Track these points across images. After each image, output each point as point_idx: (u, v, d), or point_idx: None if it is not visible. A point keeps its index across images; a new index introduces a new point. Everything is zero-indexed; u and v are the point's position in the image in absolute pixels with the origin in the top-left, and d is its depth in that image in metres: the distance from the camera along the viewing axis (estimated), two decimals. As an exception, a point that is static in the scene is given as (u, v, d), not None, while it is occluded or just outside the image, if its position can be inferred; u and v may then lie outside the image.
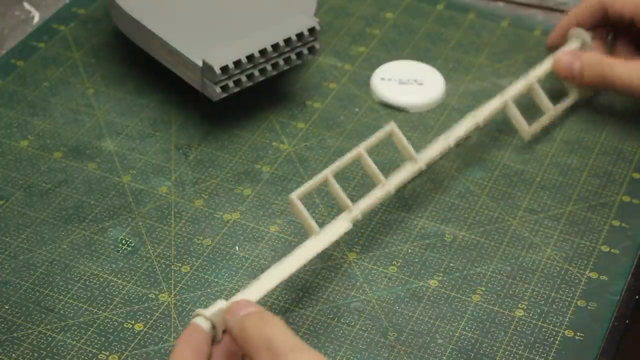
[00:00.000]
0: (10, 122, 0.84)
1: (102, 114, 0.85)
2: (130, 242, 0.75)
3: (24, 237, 0.75)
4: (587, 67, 0.83)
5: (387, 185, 0.74)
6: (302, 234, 0.76)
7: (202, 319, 0.63)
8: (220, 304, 0.63)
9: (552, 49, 0.87)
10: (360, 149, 0.73)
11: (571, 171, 0.81)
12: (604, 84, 0.83)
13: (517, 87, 0.82)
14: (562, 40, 0.87)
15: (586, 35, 0.85)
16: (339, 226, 0.71)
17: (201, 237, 0.75)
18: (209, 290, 0.72)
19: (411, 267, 0.74)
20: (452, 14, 0.96)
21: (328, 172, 0.71)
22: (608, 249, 0.75)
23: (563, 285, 0.73)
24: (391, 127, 0.75)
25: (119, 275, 0.73)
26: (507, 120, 0.84)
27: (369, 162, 0.73)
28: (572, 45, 0.86)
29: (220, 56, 0.79)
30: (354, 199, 0.73)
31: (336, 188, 0.72)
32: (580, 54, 0.84)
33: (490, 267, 0.74)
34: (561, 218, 0.78)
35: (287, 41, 0.81)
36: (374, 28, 0.94)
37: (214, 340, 0.63)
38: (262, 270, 0.73)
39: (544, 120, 0.83)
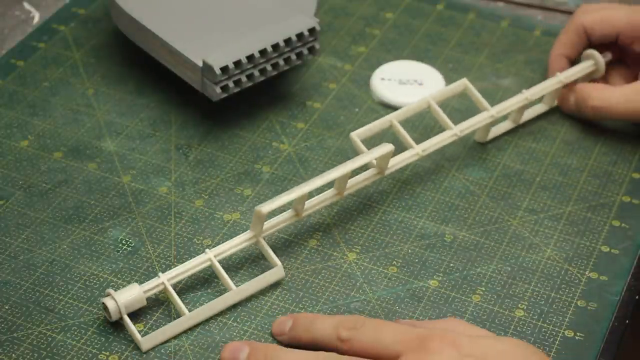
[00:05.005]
0: (10, 122, 0.84)
1: (102, 114, 0.85)
2: (130, 242, 0.75)
3: (24, 237, 0.75)
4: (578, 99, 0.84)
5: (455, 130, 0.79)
6: (302, 234, 0.76)
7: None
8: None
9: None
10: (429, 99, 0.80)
11: (571, 171, 0.81)
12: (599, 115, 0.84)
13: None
14: (562, 68, 0.86)
15: (599, 57, 0.85)
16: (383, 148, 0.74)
17: (201, 237, 0.75)
18: (209, 290, 0.72)
19: (411, 267, 0.74)
20: (452, 14, 0.96)
21: (392, 118, 0.78)
22: (608, 249, 0.75)
23: (563, 285, 0.73)
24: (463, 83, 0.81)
25: (119, 275, 0.73)
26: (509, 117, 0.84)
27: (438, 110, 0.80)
28: (585, 65, 0.85)
29: (220, 56, 0.79)
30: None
31: (401, 131, 0.78)
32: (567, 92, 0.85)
33: (490, 267, 0.74)
34: (561, 218, 0.78)
35: (287, 41, 0.81)
36: (374, 28, 0.94)
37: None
38: (263, 270, 0.73)
39: None
